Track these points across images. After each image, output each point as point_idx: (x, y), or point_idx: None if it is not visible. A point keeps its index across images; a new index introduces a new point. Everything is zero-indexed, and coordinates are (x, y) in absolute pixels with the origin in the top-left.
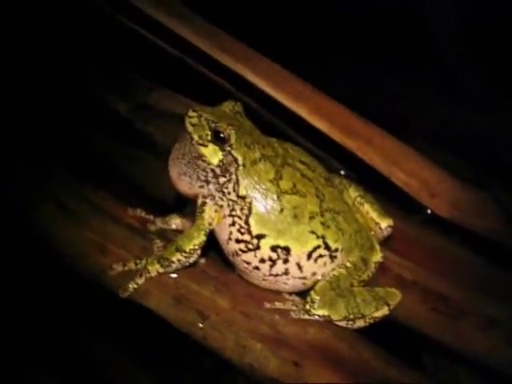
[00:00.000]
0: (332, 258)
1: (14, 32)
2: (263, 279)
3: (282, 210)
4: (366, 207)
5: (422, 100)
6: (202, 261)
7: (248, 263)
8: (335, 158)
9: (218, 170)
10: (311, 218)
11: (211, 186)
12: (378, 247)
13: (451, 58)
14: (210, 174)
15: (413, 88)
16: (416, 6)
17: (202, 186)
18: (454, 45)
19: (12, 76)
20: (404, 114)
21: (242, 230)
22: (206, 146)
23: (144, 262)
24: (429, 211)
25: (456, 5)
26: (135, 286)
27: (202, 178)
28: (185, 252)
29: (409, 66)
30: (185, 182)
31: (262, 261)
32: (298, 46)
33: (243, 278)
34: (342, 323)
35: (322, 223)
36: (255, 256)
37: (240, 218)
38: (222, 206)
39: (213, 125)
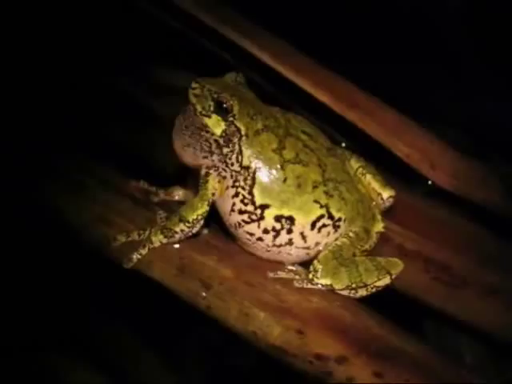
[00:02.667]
0: (335, 227)
1: (21, 16)
2: (266, 250)
3: (285, 180)
4: (368, 178)
5: (425, 77)
6: (205, 231)
7: (251, 234)
8: (337, 131)
9: (221, 141)
10: (314, 187)
11: (215, 157)
12: (379, 217)
13: (456, 44)
14: (214, 145)
15: (416, 66)
16: None
17: (205, 157)
18: (461, 33)
19: (15, 56)
20: (406, 90)
21: (246, 201)
22: (209, 117)
23: (147, 232)
24: (430, 182)
25: None
26: (139, 256)
27: (206, 148)
28: (188, 222)
29: (412, 44)
30: (189, 154)
31: (266, 231)
32: (303, 22)
33: (246, 249)
34: (345, 292)
35: (326, 192)
36: (259, 227)
37: (243, 188)
38: (225, 177)
39: (215, 95)
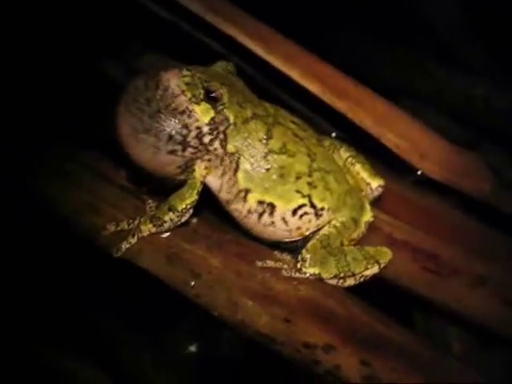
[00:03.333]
0: (317, 215)
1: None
2: (254, 226)
3: (268, 169)
4: (357, 167)
5: (417, 66)
6: (194, 220)
7: (239, 212)
8: (327, 120)
9: (205, 128)
10: (298, 177)
11: (188, 152)
12: (368, 207)
13: (450, 31)
14: (193, 133)
15: (408, 54)
16: None
17: (173, 152)
18: (449, 17)
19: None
20: (398, 79)
21: (231, 182)
22: (198, 105)
23: (137, 221)
24: (419, 172)
25: None
26: (128, 245)
27: (179, 138)
28: (177, 211)
29: (406, 33)
30: (146, 145)
31: (250, 212)
32: (292, 10)
33: (237, 224)
34: (333, 281)
35: (309, 183)
36: (243, 207)
37: (229, 169)
38: (210, 160)
39: (205, 84)
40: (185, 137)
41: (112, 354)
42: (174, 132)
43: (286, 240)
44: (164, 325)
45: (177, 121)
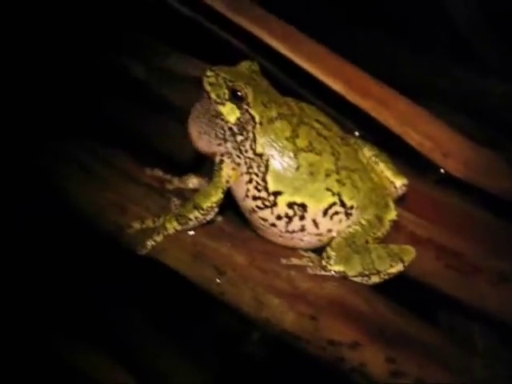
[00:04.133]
0: (347, 215)
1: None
2: (280, 236)
3: (298, 168)
4: (381, 166)
5: (438, 65)
6: (219, 218)
7: (265, 220)
8: (350, 119)
9: (235, 128)
10: (327, 175)
11: (229, 145)
12: (392, 205)
13: (467, 29)
14: (228, 133)
15: (429, 54)
16: None
17: (220, 144)
18: (469, 17)
19: (30, 41)
20: (420, 79)
21: (259, 187)
22: (223, 105)
23: (162, 219)
24: (442, 171)
25: None
26: (153, 243)
27: (220, 136)
28: (202, 209)
29: (425, 32)
30: (204, 141)
31: (279, 218)
32: (314, 11)
33: (260, 235)
34: (358, 279)
35: (338, 181)
36: (272, 213)
37: (257, 175)
38: (239, 164)
39: (230, 84)
40: (224, 135)
41: (137, 353)
42: (215, 133)
43: (313, 247)
44: (190, 322)
45: (215, 124)
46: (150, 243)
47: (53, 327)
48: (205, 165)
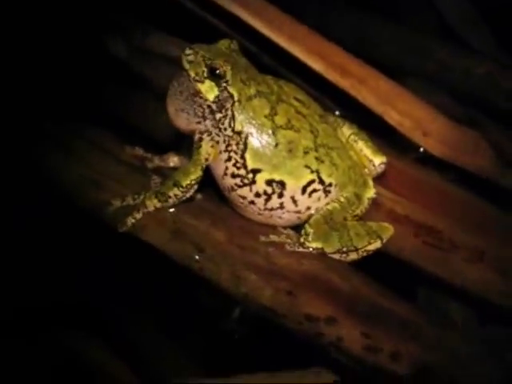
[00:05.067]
0: (326, 192)
1: None
2: (258, 213)
3: (276, 145)
4: (360, 144)
5: (421, 45)
6: (199, 196)
7: (244, 198)
8: (331, 99)
9: (214, 106)
10: (306, 152)
11: (208, 122)
12: (371, 183)
13: (449, 9)
14: (207, 110)
15: (412, 34)
16: None
17: (199, 122)
18: (457, 6)
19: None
20: (402, 58)
21: (238, 165)
22: (202, 83)
23: (142, 197)
24: (422, 149)
25: None
26: (133, 220)
27: (199, 113)
28: (182, 187)
29: (408, 12)
30: (182, 118)
31: (258, 195)
32: None
33: (239, 213)
34: (336, 256)
35: (317, 158)
36: (250, 190)
37: (236, 152)
38: (218, 142)
39: (209, 61)
40: (203, 112)
41: (118, 328)
42: (194, 111)
43: (292, 224)
44: (171, 298)
45: (194, 102)
46: (129, 220)
47: (38, 313)
48: (185, 143)
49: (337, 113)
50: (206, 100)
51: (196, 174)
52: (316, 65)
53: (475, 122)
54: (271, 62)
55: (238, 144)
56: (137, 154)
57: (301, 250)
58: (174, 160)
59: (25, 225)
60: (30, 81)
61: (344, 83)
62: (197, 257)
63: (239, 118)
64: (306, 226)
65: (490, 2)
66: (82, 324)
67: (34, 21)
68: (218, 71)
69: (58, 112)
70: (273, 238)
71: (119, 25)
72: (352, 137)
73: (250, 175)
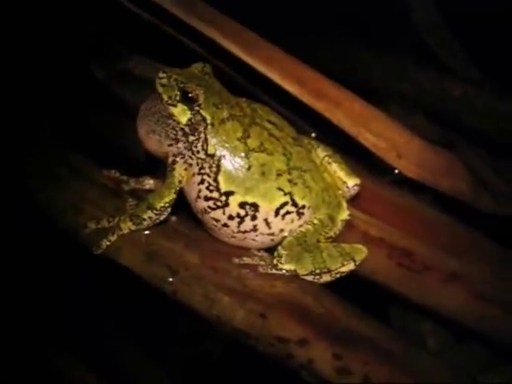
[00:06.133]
0: (299, 214)
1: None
2: (232, 236)
3: (249, 168)
4: (334, 166)
5: (398, 67)
6: (173, 218)
7: (217, 220)
8: (306, 121)
9: (187, 129)
10: (278, 175)
11: (180, 145)
12: (344, 205)
13: (427, 32)
14: (180, 133)
15: (389, 56)
16: None
17: (171, 145)
18: (429, 20)
19: None
20: (379, 80)
21: (211, 188)
22: (175, 106)
23: (117, 219)
24: (396, 171)
25: None
26: (108, 242)
27: (172, 136)
28: (156, 209)
29: (385, 34)
30: (154, 140)
31: (231, 218)
32: (275, 15)
33: (213, 235)
34: (309, 277)
35: (289, 180)
36: (224, 213)
37: (209, 175)
38: (191, 165)
39: (181, 85)
40: (176, 135)
41: (97, 349)
42: (168, 132)
43: (266, 247)
44: (149, 320)
45: (167, 124)
46: (104, 243)
47: (21, 330)
48: (161, 167)
49: (313, 134)
50: (179, 123)
51: (170, 196)
52: (291, 87)
53: (450, 143)
54: (247, 84)
55: (210, 167)
56: (113, 176)
57: (274, 271)
58: (149, 183)
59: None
60: (8, 103)
61: (319, 105)
62: (170, 279)
63: (212, 141)
64: (279, 248)
65: (467, 24)
66: (60, 345)
67: (15, 45)
68: (190, 95)
69: (37, 134)
70: (246, 260)
71: (100, 48)
72: (326, 159)
73: (223, 198)
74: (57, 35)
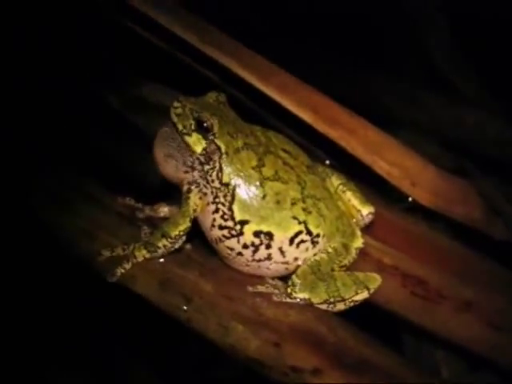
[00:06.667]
0: (314, 243)
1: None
2: (246, 265)
3: (264, 196)
4: (348, 195)
5: (411, 94)
6: (188, 246)
7: (231, 249)
8: (321, 148)
9: (201, 158)
10: (293, 203)
11: (196, 173)
12: (359, 233)
13: (441, 59)
14: (196, 162)
15: (402, 83)
16: (404, 6)
17: (187, 172)
18: (443, 47)
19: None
20: (391, 107)
21: (226, 217)
22: (190, 135)
23: (131, 247)
24: (410, 199)
25: (444, 5)
26: (122, 270)
27: (189, 163)
28: (170, 238)
29: (398, 61)
30: (171, 165)
31: (245, 246)
32: (286, 42)
33: (227, 263)
34: (323, 306)
35: (304, 209)
36: (238, 242)
37: (223, 204)
38: (206, 194)
39: (196, 114)
40: (192, 163)
41: (111, 377)
42: (185, 159)
43: (280, 275)
44: (163, 348)
45: (185, 151)
46: (119, 271)
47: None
48: (175, 194)
49: (327, 162)
50: (194, 152)
51: (184, 225)
52: (305, 115)
53: (463, 170)
54: (261, 112)
55: (225, 196)
56: (128, 204)
57: (288, 300)
58: (164, 210)
59: (18, 272)
60: (23, 129)
61: (333, 134)
62: (185, 307)
63: (227, 170)
64: (294, 276)
65: (481, 51)
66: (74, 370)
67: (28, 70)
68: (205, 124)
69: (51, 162)
70: (260, 288)
71: (113, 75)
72: (340, 187)
73: (238, 227)
74: (70, 62)
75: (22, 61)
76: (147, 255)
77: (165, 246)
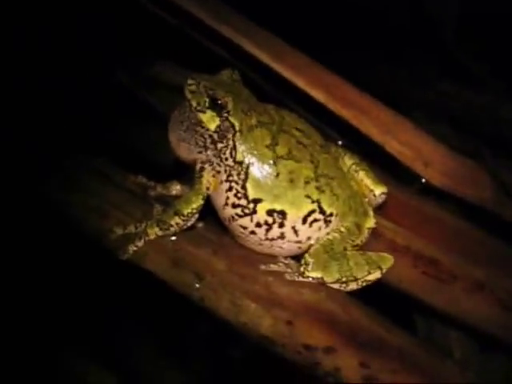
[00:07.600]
0: (326, 222)
1: (19, 14)
2: (259, 244)
3: (277, 175)
4: (361, 174)
5: (423, 77)
6: (200, 224)
7: (244, 228)
8: (333, 128)
9: (215, 136)
10: (306, 182)
11: (209, 152)
12: (371, 213)
13: (453, 43)
14: (209, 140)
15: (414, 66)
16: None
17: (200, 152)
18: (454, 31)
19: (14, 54)
20: (403, 89)
21: (239, 195)
22: (204, 113)
23: (144, 225)
24: (423, 180)
25: None
26: (135, 248)
27: (201, 143)
28: (183, 215)
29: (411, 45)
30: (184, 148)
31: (258, 225)
32: (299, 24)
33: (240, 242)
34: (336, 285)
35: (317, 188)
36: (251, 220)
37: (237, 182)
38: (219, 172)
39: (211, 92)
40: (204, 142)
41: (121, 356)
42: (197, 140)
43: (293, 254)
44: (174, 326)
45: (196, 132)
46: (131, 248)
47: (38, 330)
48: (187, 172)
49: (339, 142)
50: (208, 130)
51: (197, 203)
52: (318, 95)
53: (476, 152)
54: (275, 91)
55: (239, 174)
56: (140, 182)
57: (301, 279)
58: (176, 188)
59: (29, 251)
60: (36, 110)
61: (346, 113)
62: (197, 285)
63: (240, 148)
64: (306, 255)
65: (493, 34)
66: (82, 348)
67: (40, 53)
68: (219, 101)
69: (62, 141)
70: (273, 267)
71: (125, 54)
72: (353, 167)
73: (251, 205)
74: (83, 42)
75: (35, 42)
76: (159, 233)
77: (177, 223)
